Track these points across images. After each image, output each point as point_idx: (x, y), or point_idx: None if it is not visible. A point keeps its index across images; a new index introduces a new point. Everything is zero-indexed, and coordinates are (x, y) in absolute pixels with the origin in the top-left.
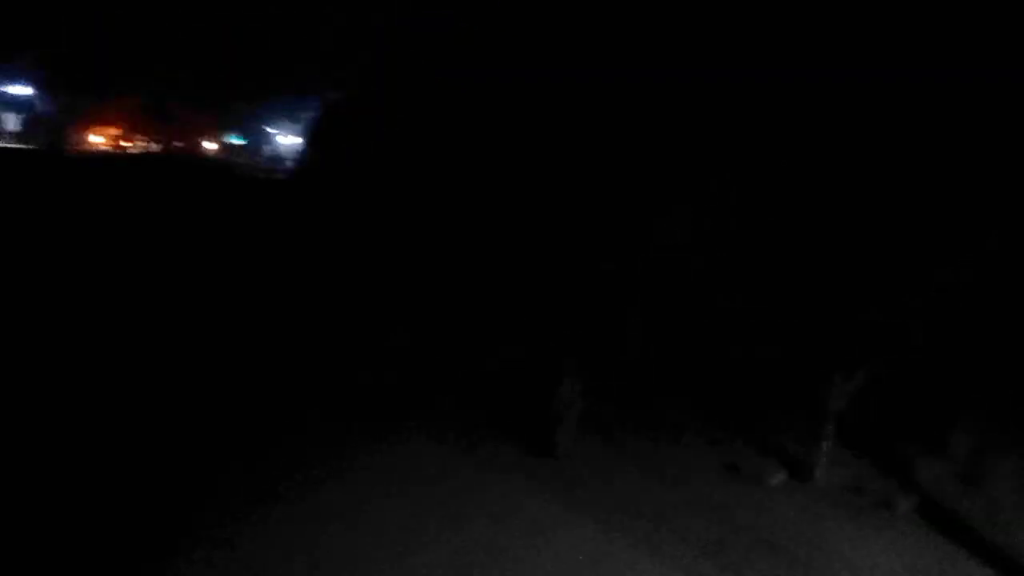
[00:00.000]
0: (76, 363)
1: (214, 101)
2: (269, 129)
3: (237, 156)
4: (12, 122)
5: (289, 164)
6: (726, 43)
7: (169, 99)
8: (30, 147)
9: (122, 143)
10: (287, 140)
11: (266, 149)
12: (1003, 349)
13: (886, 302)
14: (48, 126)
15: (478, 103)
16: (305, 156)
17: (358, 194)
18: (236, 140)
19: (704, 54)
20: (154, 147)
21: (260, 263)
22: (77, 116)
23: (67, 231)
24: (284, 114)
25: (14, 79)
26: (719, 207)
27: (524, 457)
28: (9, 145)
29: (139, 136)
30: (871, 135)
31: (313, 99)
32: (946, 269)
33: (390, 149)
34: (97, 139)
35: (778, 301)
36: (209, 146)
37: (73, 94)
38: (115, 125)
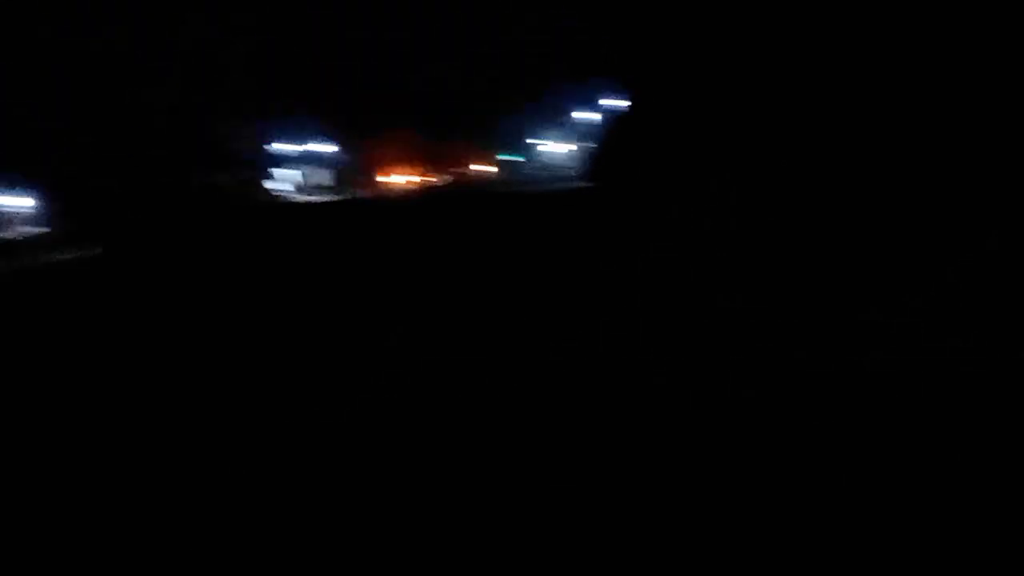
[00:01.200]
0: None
1: (476, 121)
2: (531, 141)
3: (506, 172)
4: (327, 178)
5: (563, 173)
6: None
7: (437, 128)
8: (343, 196)
9: (411, 178)
10: (553, 149)
11: (533, 161)
12: None
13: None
14: (348, 175)
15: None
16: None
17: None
18: (507, 157)
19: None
20: (436, 178)
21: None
22: (364, 161)
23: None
24: (545, 124)
25: (320, 138)
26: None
27: None
28: (329, 198)
29: (418, 169)
30: (871, 135)
31: (575, 104)
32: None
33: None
34: (385, 179)
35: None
36: (479, 168)
37: (355, 141)
38: (398, 163)
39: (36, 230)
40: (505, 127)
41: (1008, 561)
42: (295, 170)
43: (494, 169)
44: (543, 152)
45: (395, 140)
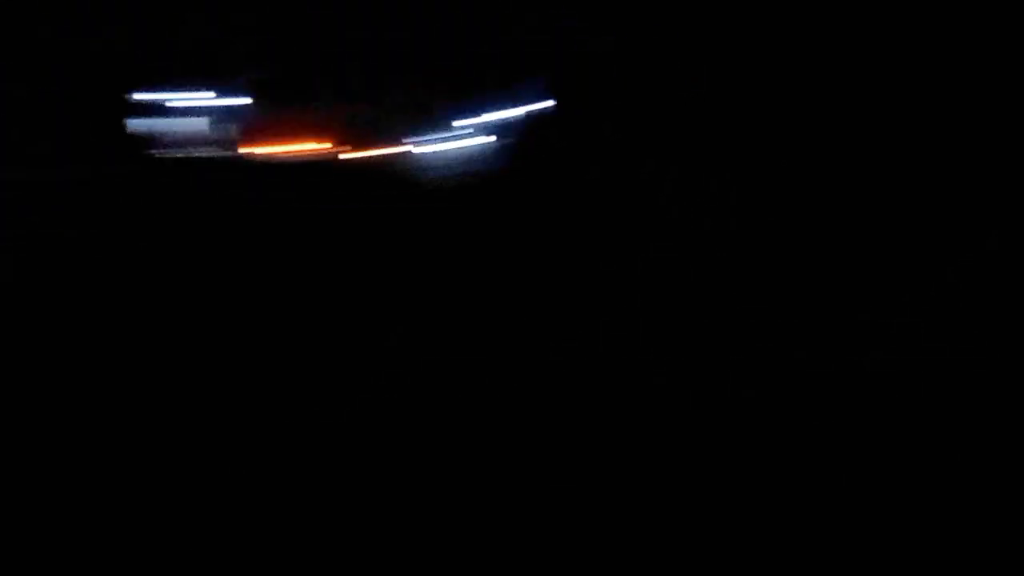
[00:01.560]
0: None
1: (402, 106)
2: (449, 130)
3: (414, 156)
4: (202, 131)
5: (473, 165)
6: (726, 42)
7: (361, 105)
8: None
9: (302, 147)
10: (470, 141)
11: (448, 148)
12: None
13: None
14: (229, 131)
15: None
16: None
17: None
18: (419, 139)
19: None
20: (331, 150)
21: None
22: (279, 125)
23: None
24: (465, 115)
25: (233, 92)
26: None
27: None
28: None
29: (319, 139)
30: (870, 134)
31: (495, 99)
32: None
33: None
34: (271, 144)
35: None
36: (389, 150)
37: (280, 106)
38: (300, 130)
39: None
40: (431, 115)
41: (1008, 561)
42: (158, 120)
43: (404, 151)
44: (460, 142)
45: (324, 114)
